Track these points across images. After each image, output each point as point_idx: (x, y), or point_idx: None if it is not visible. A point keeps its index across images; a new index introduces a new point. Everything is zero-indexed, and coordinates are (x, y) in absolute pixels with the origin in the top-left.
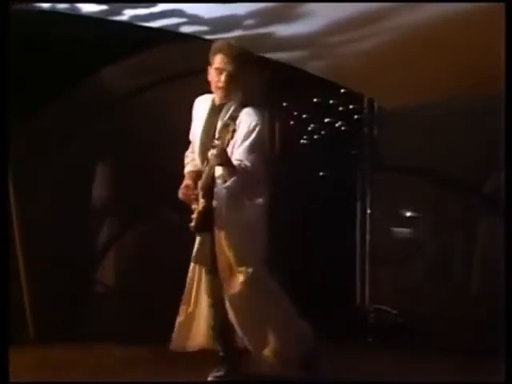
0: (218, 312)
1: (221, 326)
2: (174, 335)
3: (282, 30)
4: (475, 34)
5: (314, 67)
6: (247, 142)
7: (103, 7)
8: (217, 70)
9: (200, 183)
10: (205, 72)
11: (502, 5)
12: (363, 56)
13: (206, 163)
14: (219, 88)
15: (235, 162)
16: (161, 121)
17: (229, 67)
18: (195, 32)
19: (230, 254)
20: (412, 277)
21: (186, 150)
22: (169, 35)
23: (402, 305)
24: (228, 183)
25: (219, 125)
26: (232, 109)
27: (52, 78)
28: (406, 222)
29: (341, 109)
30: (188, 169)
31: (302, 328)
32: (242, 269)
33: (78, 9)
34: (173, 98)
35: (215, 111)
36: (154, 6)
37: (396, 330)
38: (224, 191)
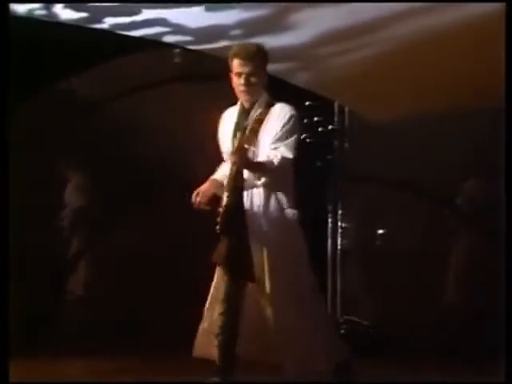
0: (227, 320)
1: (226, 336)
2: (197, 341)
3: (270, 41)
4: (468, 46)
5: (302, 79)
6: (281, 132)
7: (83, 14)
8: (236, 74)
9: (225, 184)
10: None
11: (502, 5)
12: (352, 68)
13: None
14: (242, 92)
15: (265, 158)
16: (137, 128)
17: (246, 69)
18: (178, 42)
19: (265, 258)
20: (384, 287)
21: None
22: (146, 43)
23: (374, 315)
24: (260, 181)
25: (249, 123)
26: (261, 107)
27: (25, 82)
28: (379, 232)
29: (305, 121)
30: (214, 176)
31: (337, 339)
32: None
33: (56, 15)
34: (148, 106)
35: (244, 114)
36: (137, 14)
37: (368, 340)
38: (255, 190)
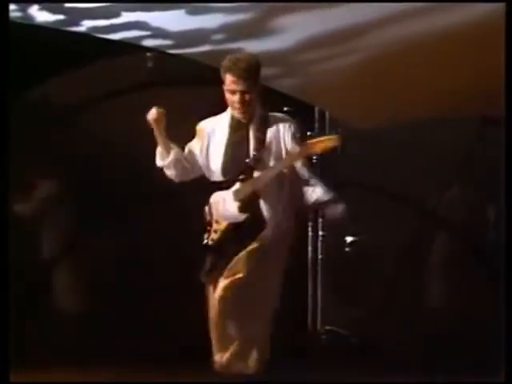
0: None
1: None
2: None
3: (253, 45)
4: (465, 52)
5: (285, 85)
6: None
7: (60, 17)
8: (229, 91)
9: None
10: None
11: (501, 9)
12: (339, 74)
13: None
14: (237, 109)
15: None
16: (111, 133)
17: (239, 87)
18: (159, 46)
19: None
20: (366, 297)
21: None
22: (124, 47)
23: (355, 326)
24: None
25: (252, 138)
26: (258, 121)
27: None
28: (360, 240)
29: None
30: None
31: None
32: None
33: (32, 17)
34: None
35: (239, 127)
36: (116, 17)
37: (349, 351)
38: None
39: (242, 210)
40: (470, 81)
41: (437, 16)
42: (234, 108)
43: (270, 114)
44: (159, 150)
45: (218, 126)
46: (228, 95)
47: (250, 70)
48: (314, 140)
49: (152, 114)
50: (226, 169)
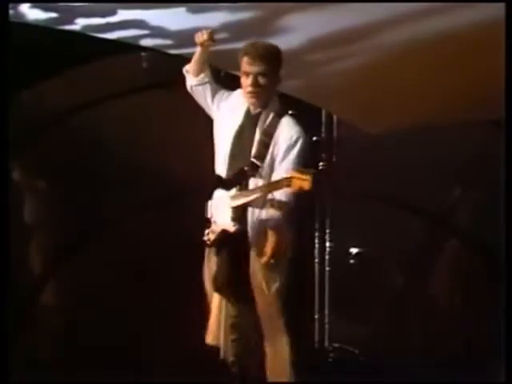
0: None
1: None
2: None
3: None
4: (467, 55)
5: (290, 86)
6: (287, 162)
7: (53, 15)
8: (244, 74)
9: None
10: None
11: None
12: (344, 76)
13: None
14: (248, 93)
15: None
16: (103, 138)
17: (254, 69)
18: (158, 45)
19: None
20: (374, 313)
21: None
22: (120, 47)
23: (363, 342)
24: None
25: (256, 133)
26: (268, 121)
27: None
28: (368, 253)
29: None
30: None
31: None
32: None
33: (23, 15)
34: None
35: (250, 120)
36: (112, 15)
37: (358, 368)
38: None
39: (233, 219)
40: (471, 83)
41: (440, 17)
42: (246, 94)
43: (286, 117)
44: (190, 68)
45: (237, 103)
46: (243, 79)
47: (267, 53)
48: (297, 175)
49: (203, 35)
50: (229, 166)
